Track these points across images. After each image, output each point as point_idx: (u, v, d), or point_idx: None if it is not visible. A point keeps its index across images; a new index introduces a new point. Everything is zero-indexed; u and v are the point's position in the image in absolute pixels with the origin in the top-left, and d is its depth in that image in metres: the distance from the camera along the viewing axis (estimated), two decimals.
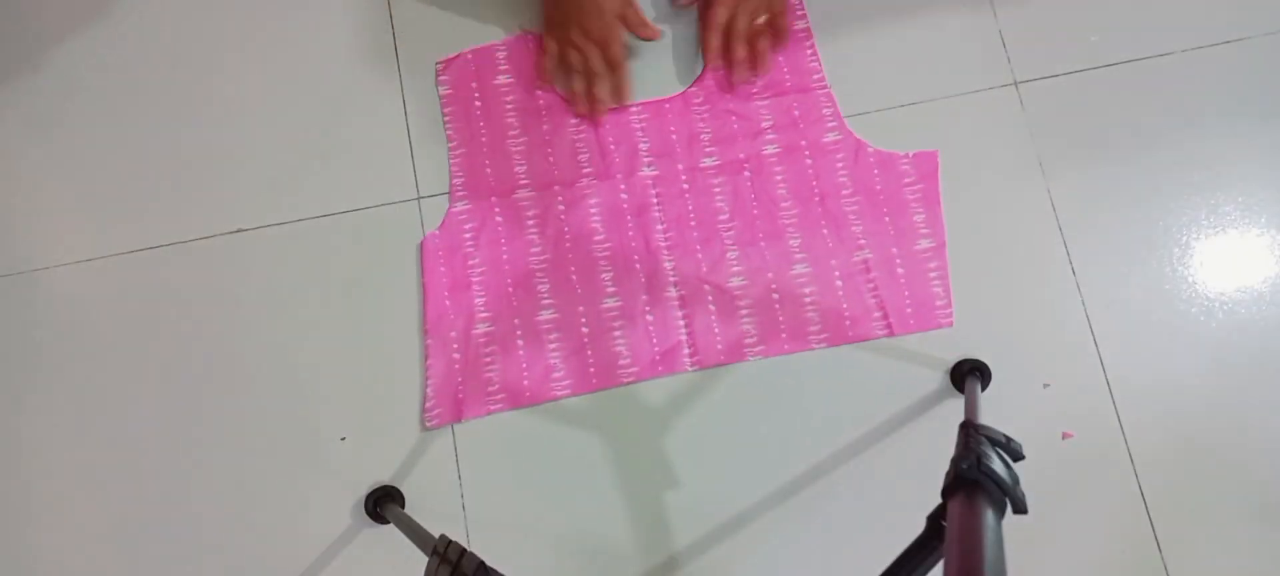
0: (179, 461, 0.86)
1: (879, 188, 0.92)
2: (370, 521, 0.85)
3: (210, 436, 0.87)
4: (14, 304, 0.89)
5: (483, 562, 0.54)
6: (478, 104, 0.93)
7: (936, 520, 0.55)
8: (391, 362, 0.88)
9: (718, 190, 0.92)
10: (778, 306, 0.90)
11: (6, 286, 0.89)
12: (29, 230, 0.90)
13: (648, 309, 0.89)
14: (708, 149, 0.93)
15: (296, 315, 0.89)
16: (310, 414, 0.87)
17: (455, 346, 0.88)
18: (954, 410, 0.88)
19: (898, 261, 0.91)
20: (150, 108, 0.92)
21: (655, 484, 0.87)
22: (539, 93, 0.94)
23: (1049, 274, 0.91)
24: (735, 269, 0.90)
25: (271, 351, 0.88)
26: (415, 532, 0.70)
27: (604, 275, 0.90)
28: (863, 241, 0.91)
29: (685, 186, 0.92)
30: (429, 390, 0.87)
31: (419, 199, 0.92)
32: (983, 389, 0.88)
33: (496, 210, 0.91)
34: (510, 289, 0.89)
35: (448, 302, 0.89)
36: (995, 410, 0.86)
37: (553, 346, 0.89)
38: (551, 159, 0.92)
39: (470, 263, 0.90)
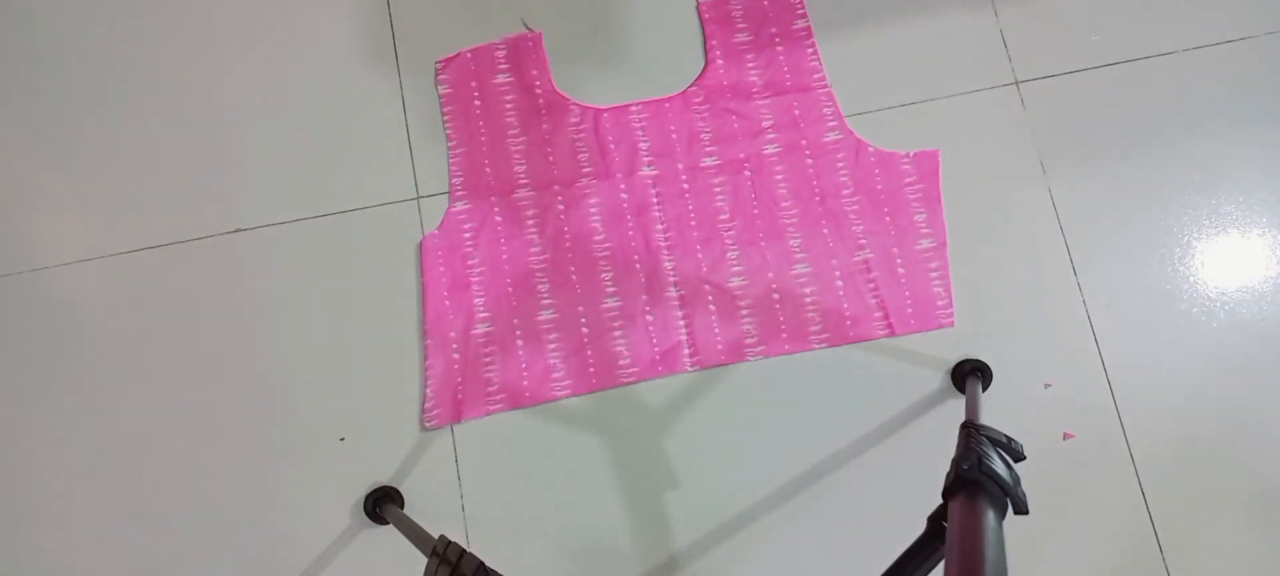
0: (179, 461, 0.86)
1: (880, 187, 0.92)
2: (370, 522, 0.85)
3: (210, 436, 0.86)
4: (14, 304, 0.89)
5: (482, 563, 0.54)
6: (477, 103, 0.93)
7: (937, 520, 0.55)
8: (391, 363, 0.88)
9: (718, 190, 0.92)
10: (778, 306, 0.90)
11: (6, 286, 0.89)
12: (29, 230, 0.90)
13: (648, 309, 0.89)
14: (708, 148, 0.93)
15: (296, 315, 0.89)
16: (310, 414, 0.87)
17: (455, 346, 0.88)
18: (955, 410, 0.88)
19: (898, 261, 0.91)
20: (151, 108, 0.92)
21: (655, 484, 0.87)
22: (538, 91, 0.94)
23: (1050, 274, 0.91)
24: (735, 269, 0.90)
25: (271, 351, 0.88)
26: (414, 533, 0.69)
27: (604, 275, 0.90)
28: (863, 241, 0.91)
29: (685, 186, 0.92)
30: (428, 390, 0.87)
31: (418, 199, 0.91)
32: (984, 389, 0.88)
33: (496, 210, 0.91)
34: (510, 289, 0.89)
35: (447, 302, 0.89)
36: (996, 410, 0.86)
37: (552, 346, 0.88)
38: (551, 158, 0.92)
39: (470, 262, 0.90)
